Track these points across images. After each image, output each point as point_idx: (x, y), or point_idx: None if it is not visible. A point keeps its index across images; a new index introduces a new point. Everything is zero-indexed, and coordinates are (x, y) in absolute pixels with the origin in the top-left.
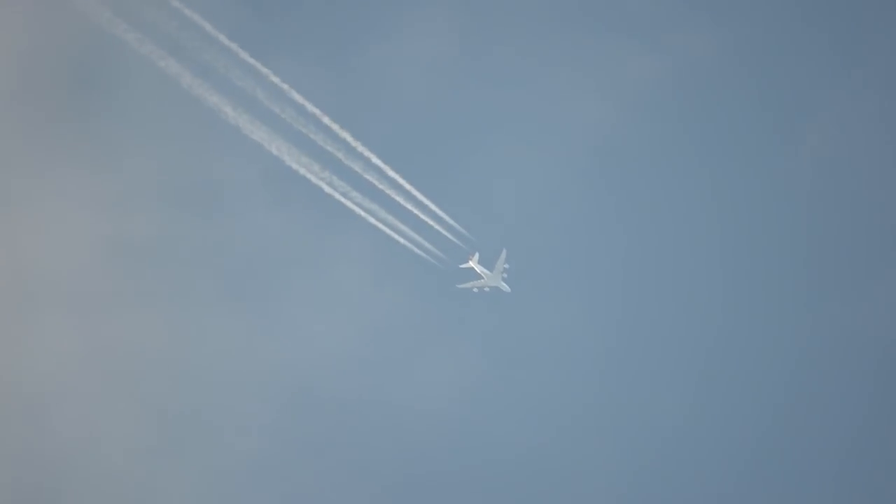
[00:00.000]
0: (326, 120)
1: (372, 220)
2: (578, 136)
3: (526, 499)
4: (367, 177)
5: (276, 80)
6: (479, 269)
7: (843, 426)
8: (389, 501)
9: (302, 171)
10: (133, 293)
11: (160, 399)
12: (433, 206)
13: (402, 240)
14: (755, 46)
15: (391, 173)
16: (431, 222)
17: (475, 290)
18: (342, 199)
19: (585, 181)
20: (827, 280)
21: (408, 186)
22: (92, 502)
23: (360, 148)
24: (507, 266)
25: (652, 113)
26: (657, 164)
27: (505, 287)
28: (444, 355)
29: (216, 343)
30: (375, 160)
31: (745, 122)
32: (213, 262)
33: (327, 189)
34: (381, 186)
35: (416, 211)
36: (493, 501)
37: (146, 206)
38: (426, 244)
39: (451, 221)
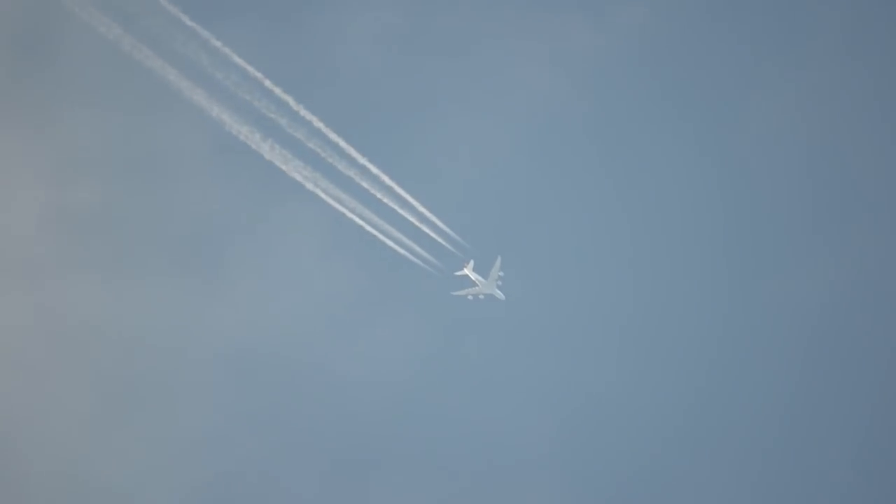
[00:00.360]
0: (268, 84)
1: (310, 187)
2: (524, 106)
3: (472, 471)
4: (313, 146)
5: (218, 44)
6: (473, 276)
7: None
8: (336, 472)
9: (248, 139)
10: (78, 261)
11: (104, 367)
12: (378, 172)
13: (339, 207)
14: (700, 19)
15: (335, 138)
16: (374, 190)
17: (470, 297)
18: (286, 168)
19: (531, 150)
20: (767, 254)
21: (359, 157)
22: (35, 469)
23: (306, 115)
24: (501, 274)
25: (598, 85)
26: (601, 137)
27: (499, 295)
28: (394, 327)
29: (161, 312)
30: (325, 130)
31: (689, 94)
32: (158, 230)
33: (269, 156)
34: (325, 156)
35: (358, 179)
36: (441, 474)
37: (90, 173)
38: (373, 216)
39: (399, 190)
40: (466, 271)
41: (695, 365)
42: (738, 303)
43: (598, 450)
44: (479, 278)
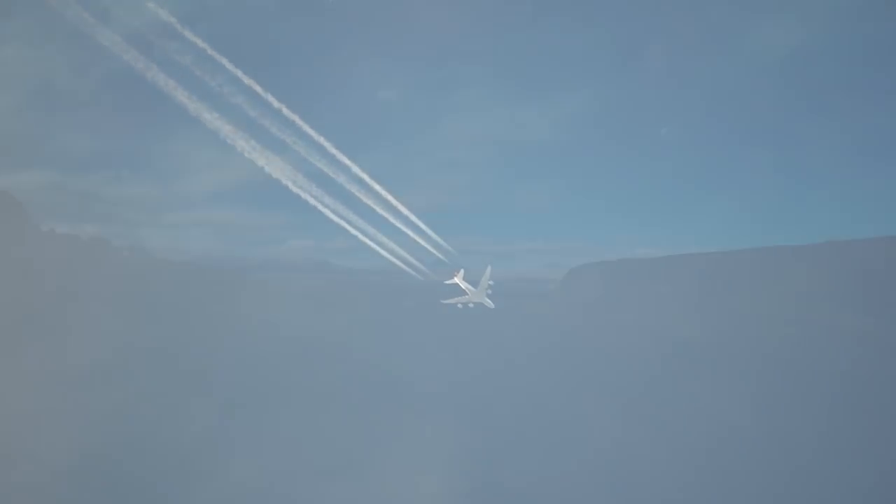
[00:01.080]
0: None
1: (209, 125)
2: (415, 53)
3: (370, 406)
4: (208, 79)
5: None
6: (464, 285)
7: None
8: (235, 404)
9: (141, 70)
10: None
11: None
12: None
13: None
14: None
15: (233, 70)
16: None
17: (459, 305)
18: (185, 103)
19: (413, 93)
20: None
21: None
22: None
23: (202, 46)
24: (491, 283)
25: (502, 25)
26: (501, 78)
27: (489, 303)
28: (293, 265)
29: (61, 243)
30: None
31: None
32: None
33: (171, 92)
34: (215, 83)
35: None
36: (337, 407)
37: None
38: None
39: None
40: (457, 280)
41: None
42: None
43: (493, 395)
44: (470, 287)
